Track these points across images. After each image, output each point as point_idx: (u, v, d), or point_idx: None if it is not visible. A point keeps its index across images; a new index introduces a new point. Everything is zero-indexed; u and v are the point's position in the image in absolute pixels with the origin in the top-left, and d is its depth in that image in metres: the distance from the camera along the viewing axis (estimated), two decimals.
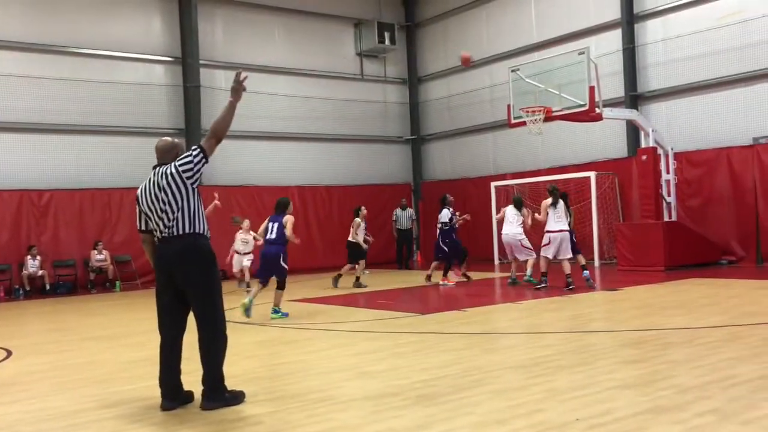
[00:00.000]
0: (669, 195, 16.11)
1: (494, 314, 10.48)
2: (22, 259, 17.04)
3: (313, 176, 22.02)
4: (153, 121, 19.26)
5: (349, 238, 15.42)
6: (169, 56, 19.93)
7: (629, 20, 18.12)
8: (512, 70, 16.39)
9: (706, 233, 16.11)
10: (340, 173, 22.59)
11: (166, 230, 5.44)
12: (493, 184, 20.24)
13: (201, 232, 5.50)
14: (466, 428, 4.61)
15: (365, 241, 15.49)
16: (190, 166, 5.45)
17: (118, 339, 9.48)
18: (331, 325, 9.80)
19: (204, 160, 5.48)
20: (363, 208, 15.79)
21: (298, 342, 8.63)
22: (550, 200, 12.61)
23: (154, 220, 5.48)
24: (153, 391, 5.65)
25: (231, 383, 5.61)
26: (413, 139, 24.46)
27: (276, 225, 10.55)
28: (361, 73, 23.50)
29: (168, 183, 5.42)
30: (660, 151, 16.06)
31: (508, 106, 16.35)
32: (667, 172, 16.13)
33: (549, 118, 15.35)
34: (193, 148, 5.55)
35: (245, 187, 20.50)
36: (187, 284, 5.43)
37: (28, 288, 16.89)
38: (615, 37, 18.45)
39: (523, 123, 15.82)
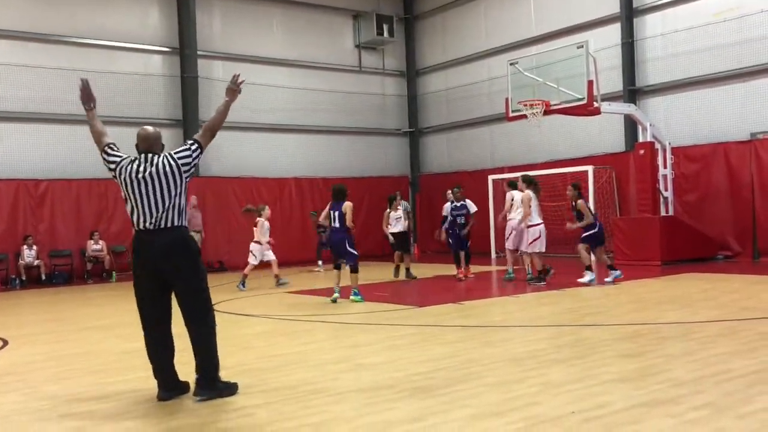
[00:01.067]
0: (666, 189, 16.10)
1: (491, 307, 10.48)
2: (18, 248, 17.02)
3: (311, 168, 21.98)
4: (150, 112, 19.14)
5: (392, 230, 14.94)
6: (166, 47, 19.86)
7: (628, 14, 18.11)
8: (511, 64, 16.36)
9: (703, 228, 16.12)
10: (338, 165, 22.54)
11: (153, 221, 5.39)
12: (490, 177, 20.22)
13: (186, 225, 5.59)
14: (462, 421, 4.62)
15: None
16: (189, 159, 5.48)
17: (114, 329, 9.48)
18: (327, 317, 9.78)
19: (200, 155, 5.59)
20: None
21: (294, 334, 8.62)
22: (531, 192, 12.38)
23: (142, 209, 5.39)
24: (148, 381, 5.65)
25: (226, 374, 5.61)
26: (411, 131, 24.44)
27: (337, 213, 11.29)
28: (359, 65, 23.44)
29: (165, 174, 5.39)
30: (657, 145, 16.06)
31: (507, 99, 16.31)
32: (665, 167, 16.12)
33: (547, 111, 15.33)
34: (190, 142, 5.56)
35: (242, 179, 20.48)
36: (177, 278, 5.41)
37: (24, 278, 16.89)
38: (614, 32, 18.43)
39: (522, 116, 15.78)
